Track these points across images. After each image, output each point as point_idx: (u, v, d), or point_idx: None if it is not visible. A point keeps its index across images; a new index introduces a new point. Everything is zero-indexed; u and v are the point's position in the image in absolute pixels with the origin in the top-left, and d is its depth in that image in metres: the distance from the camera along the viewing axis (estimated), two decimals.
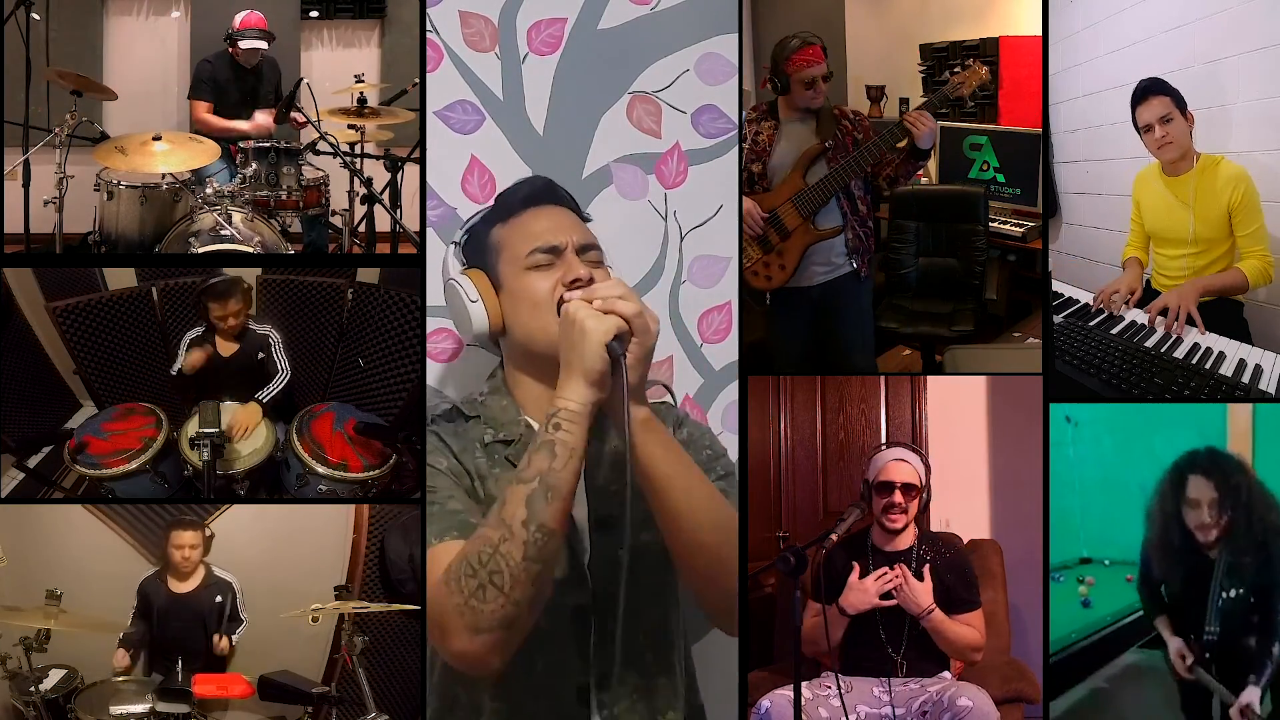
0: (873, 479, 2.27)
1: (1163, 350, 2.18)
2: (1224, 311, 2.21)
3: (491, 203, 1.72)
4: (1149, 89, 2.26)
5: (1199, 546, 1.96)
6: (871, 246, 2.65)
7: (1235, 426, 2.26)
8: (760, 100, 2.70)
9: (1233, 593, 1.91)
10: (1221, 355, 2.12)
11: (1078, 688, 2.31)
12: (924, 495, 2.26)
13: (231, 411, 2.42)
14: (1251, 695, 1.86)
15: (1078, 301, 2.45)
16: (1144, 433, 2.30)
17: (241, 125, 3.67)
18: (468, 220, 1.74)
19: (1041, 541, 2.08)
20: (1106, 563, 2.54)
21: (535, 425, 1.62)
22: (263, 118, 3.70)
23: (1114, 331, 2.29)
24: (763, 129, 2.61)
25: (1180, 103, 2.23)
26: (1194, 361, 2.12)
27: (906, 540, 2.26)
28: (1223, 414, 2.24)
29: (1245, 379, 2.04)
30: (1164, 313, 2.22)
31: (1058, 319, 2.36)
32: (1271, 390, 2.02)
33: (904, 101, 3.60)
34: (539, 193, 1.67)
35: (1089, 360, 2.19)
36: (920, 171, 2.67)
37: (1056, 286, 2.45)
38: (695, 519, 1.48)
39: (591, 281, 1.56)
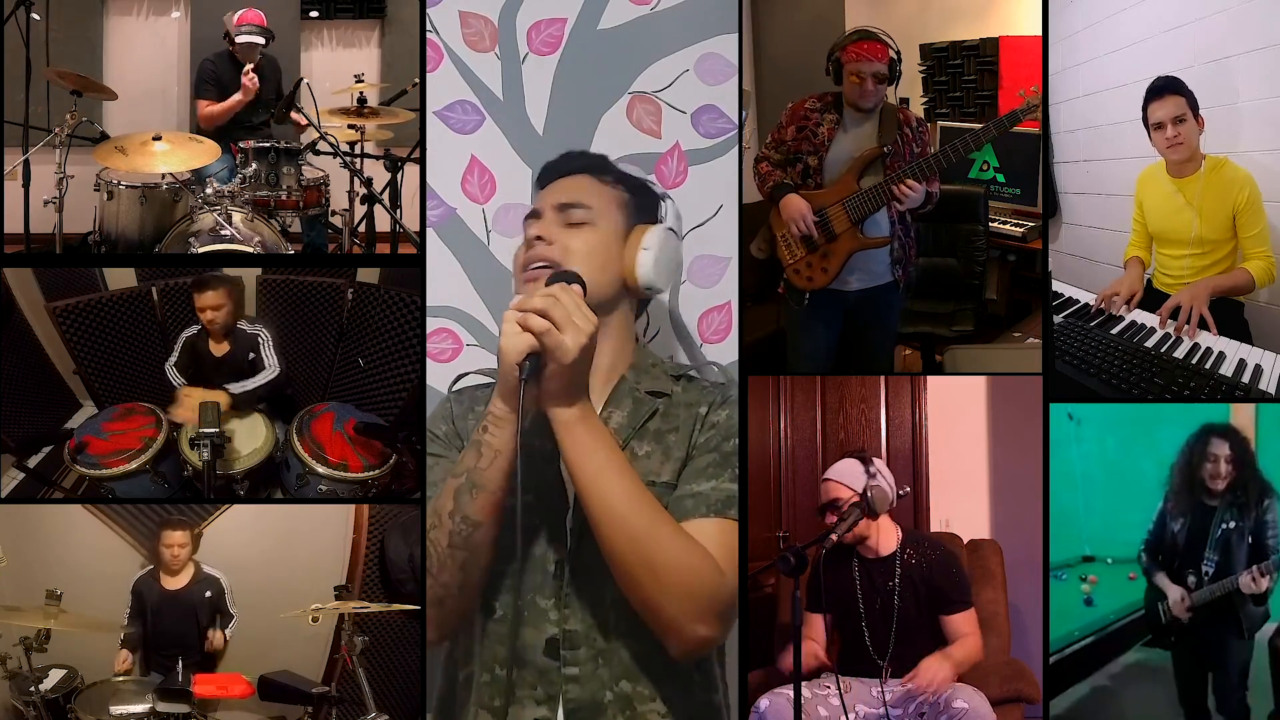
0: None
1: (1163, 350, 2.17)
2: (1225, 311, 2.21)
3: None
4: (1166, 87, 2.24)
5: (1208, 495, 2.27)
6: (914, 257, 2.57)
7: (1236, 425, 2.26)
8: (826, 92, 2.55)
9: (1231, 524, 2.22)
10: (1222, 355, 2.11)
11: (1080, 685, 2.31)
12: (864, 498, 2.14)
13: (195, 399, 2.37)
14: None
15: (1078, 301, 2.44)
16: (1147, 431, 2.31)
17: (236, 96, 3.66)
18: None
19: (1041, 542, 2.08)
20: (1109, 561, 2.53)
21: None
22: (249, 81, 3.66)
23: (1114, 331, 2.29)
24: (824, 121, 2.49)
25: (1194, 105, 2.22)
26: (1194, 361, 2.12)
27: (890, 544, 2.24)
28: (1225, 413, 2.24)
29: (1245, 379, 2.04)
30: (1174, 313, 2.22)
31: (1058, 319, 2.36)
32: (1272, 390, 2.02)
33: (903, 101, 3.60)
34: (561, 163, 1.75)
35: (1089, 360, 2.19)
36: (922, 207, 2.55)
37: (1056, 286, 2.45)
38: (609, 528, 1.46)
39: (538, 242, 1.60)
